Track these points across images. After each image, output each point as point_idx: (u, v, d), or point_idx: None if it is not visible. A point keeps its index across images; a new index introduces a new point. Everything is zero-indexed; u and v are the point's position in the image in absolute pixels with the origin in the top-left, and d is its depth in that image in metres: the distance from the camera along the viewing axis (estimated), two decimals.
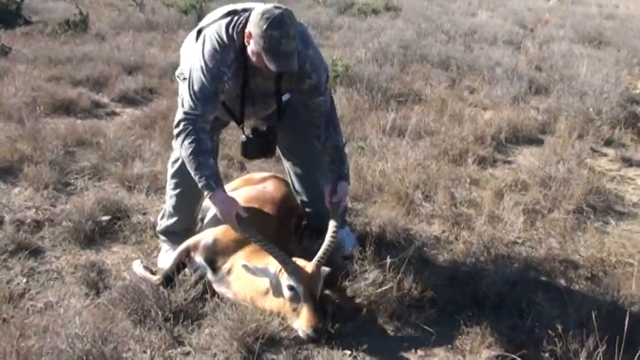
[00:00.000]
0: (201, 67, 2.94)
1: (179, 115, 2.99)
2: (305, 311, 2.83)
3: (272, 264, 2.93)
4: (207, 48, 2.97)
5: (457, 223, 4.01)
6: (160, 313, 2.89)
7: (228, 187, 3.46)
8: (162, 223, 3.55)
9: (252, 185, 3.67)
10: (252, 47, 2.89)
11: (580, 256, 3.70)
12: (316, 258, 2.95)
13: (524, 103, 6.70)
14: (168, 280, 3.11)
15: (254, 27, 2.83)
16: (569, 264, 3.62)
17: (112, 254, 3.58)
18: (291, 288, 2.86)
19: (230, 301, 3.02)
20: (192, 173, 2.96)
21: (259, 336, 2.76)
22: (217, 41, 2.96)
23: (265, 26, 2.77)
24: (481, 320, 2.98)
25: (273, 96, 3.23)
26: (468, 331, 2.92)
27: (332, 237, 3.01)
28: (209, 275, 3.15)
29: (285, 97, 3.29)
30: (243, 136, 3.36)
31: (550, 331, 2.76)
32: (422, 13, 13.50)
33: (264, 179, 3.74)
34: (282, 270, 2.88)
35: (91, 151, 4.91)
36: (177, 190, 3.42)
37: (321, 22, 11.20)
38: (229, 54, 2.96)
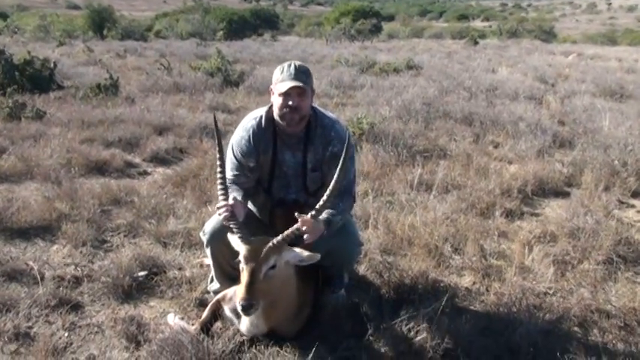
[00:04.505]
0: (231, 143, 3.44)
1: None
2: (241, 284, 2.88)
3: None
4: (239, 126, 3.46)
5: (487, 274, 4.03)
6: None
7: None
8: (210, 287, 3.70)
9: None
10: (273, 97, 3.32)
11: (612, 306, 3.68)
12: (272, 240, 2.94)
13: (549, 157, 6.78)
14: (205, 330, 3.21)
15: (274, 75, 3.33)
16: (602, 314, 3.60)
17: (150, 308, 3.64)
18: (239, 261, 2.95)
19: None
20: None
21: None
22: (247, 120, 3.44)
23: (279, 66, 3.32)
24: None
25: (300, 168, 3.41)
26: None
27: (295, 228, 2.95)
28: (237, 324, 3.23)
29: (314, 176, 3.42)
30: (270, 206, 3.51)
31: None
32: (443, 71, 13.76)
33: None
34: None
35: (126, 209, 5.04)
36: (213, 258, 3.49)
37: (344, 82, 11.48)
38: (255, 130, 3.37)
